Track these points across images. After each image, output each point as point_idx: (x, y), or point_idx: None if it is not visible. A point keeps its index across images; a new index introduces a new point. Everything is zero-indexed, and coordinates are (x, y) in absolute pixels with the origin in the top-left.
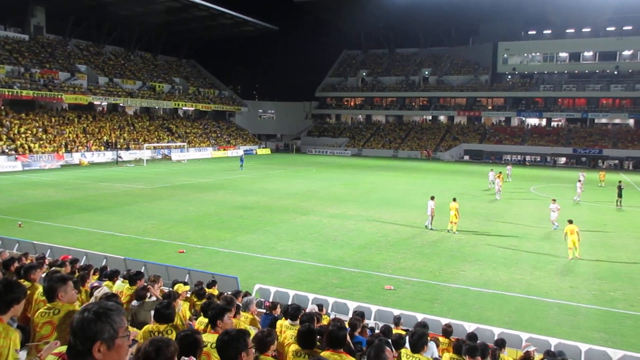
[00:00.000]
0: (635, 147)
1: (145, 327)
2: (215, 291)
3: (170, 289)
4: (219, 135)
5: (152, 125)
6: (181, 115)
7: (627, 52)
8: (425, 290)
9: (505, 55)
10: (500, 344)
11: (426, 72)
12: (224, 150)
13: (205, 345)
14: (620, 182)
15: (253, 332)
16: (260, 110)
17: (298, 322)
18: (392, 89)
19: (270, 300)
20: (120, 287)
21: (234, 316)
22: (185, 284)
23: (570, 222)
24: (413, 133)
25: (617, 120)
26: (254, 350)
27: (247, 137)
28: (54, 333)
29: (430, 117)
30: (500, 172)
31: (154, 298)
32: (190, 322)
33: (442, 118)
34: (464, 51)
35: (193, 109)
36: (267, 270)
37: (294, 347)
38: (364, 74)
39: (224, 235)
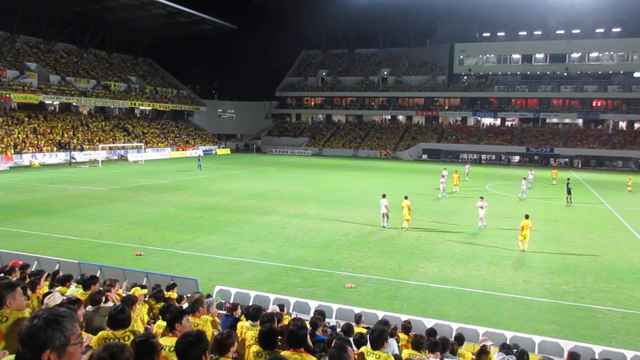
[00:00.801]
0: (584, 146)
1: (100, 333)
2: (174, 294)
3: (128, 292)
4: (178, 135)
5: (108, 125)
6: (138, 115)
7: (575, 55)
8: (385, 287)
9: (461, 57)
10: (459, 339)
11: (385, 73)
12: (183, 150)
13: (163, 349)
14: (568, 179)
15: (213, 333)
16: (219, 110)
17: (259, 322)
18: (352, 88)
19: (231, 301)
20: (74, 292)
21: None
22: (143, 287)
23: (527, 217)
24: (373, 132)
25: (567, 120)
26: (212, 351)
27: (207, 137)
28: (2, 342)
29: (389, 117)
30: (456, 171)
31: (110, 303)
32: (149, 326)
33: (401, 118)
34: (422, 52)
35: (150, 108)
36: (227, 272)
37: (255, 348)
38: (324, 73)
39: (183, 237)
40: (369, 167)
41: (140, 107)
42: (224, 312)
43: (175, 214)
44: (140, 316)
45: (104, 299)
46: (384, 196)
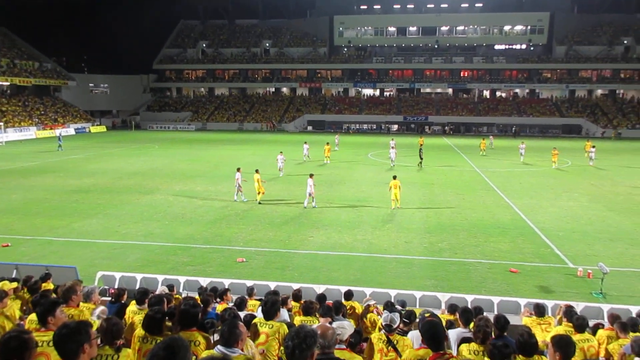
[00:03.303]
0: (454, 114)
1: None
2: (50, 285)
3: None
4: (44, 112)
5: None
6: None
7: (444, 28)
8: (276, 259)
9: (341, 29)
10: (348, 295)
11: (267, 44)
12: (51, 129)
13: (39, 345)
14: (421, 146)
15: (97, 322)
16: (91, 85)
17: (146, 305)
18: (234, 60)
19: (116, 286)
20: None
21: (77, 305)
22: (13, 280)
23: (395, 177)
24: (257, 105)
25: (438, 90)
26: (98, 342)
27: (78, 114)
28: None
29: (273, 89)
30: (327, 142)
31: None
32: (21, 322)
33: (285, 90)
34: (303, 24)
35: (8, 83)
36: (110, 256)
37: (141, 332)
38: (204, 45)
39: (57, 223)
40: (255, 140)
41: None
42: (109, 299)
43: (47, 198)
44: (10, 312)
45: None
46: (238, 170)
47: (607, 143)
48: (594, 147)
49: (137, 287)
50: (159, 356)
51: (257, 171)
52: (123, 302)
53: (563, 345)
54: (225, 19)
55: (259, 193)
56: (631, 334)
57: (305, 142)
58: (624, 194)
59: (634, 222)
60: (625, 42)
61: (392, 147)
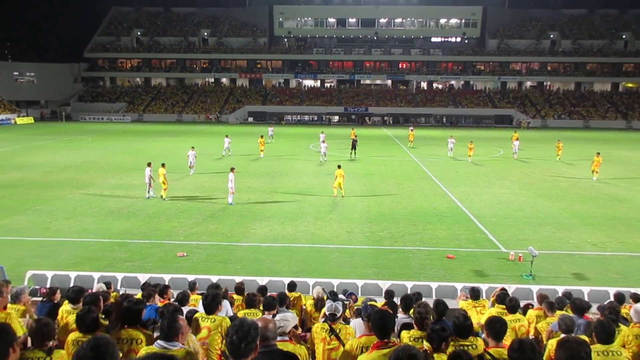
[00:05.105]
0: (394, 105)
1: None
2: None
3: None
4: None
5: None
6: None
7: (383, 20)
8: (218, 252)
9: (281, 19)
10: (291, 286)
11: (205, 34)
12: None
13: None
14: (355, 136)
15: (21, 325)
16: (15, 73)
17: (81, 304)
18: (171, 50)
19: (48, 285)
20: None
21: (5, 307)
22: None
23: (339, 167)
24: (196, 96)
25: (378, 81)
26: (28, 344)
27: (2, 105)
28: None
29: (212, 80)
30: (261, 135)
31: None
32: None
33: (224, 80)
34: (242, 13)
35: None
36: (41, 254)
37: (74, 335)
38: (139, 33)
39: None
40: (194, 132)
41: None
42: (40, 299)
43: None
44: None
45: None
46: (149, 164)
47: (532, 132)
48: (517, 140)
49: (71, 285)
50: (88, 357)
51: (163, 165)
52: (56, 301)
53: (493, 326)
54: (160, 6)
55: (164, 189)
56: (558, 312)
57: (227, 136)
58: (552, 180)
59: (560, 207)
60: (551, 36)
61: (323, 141)
